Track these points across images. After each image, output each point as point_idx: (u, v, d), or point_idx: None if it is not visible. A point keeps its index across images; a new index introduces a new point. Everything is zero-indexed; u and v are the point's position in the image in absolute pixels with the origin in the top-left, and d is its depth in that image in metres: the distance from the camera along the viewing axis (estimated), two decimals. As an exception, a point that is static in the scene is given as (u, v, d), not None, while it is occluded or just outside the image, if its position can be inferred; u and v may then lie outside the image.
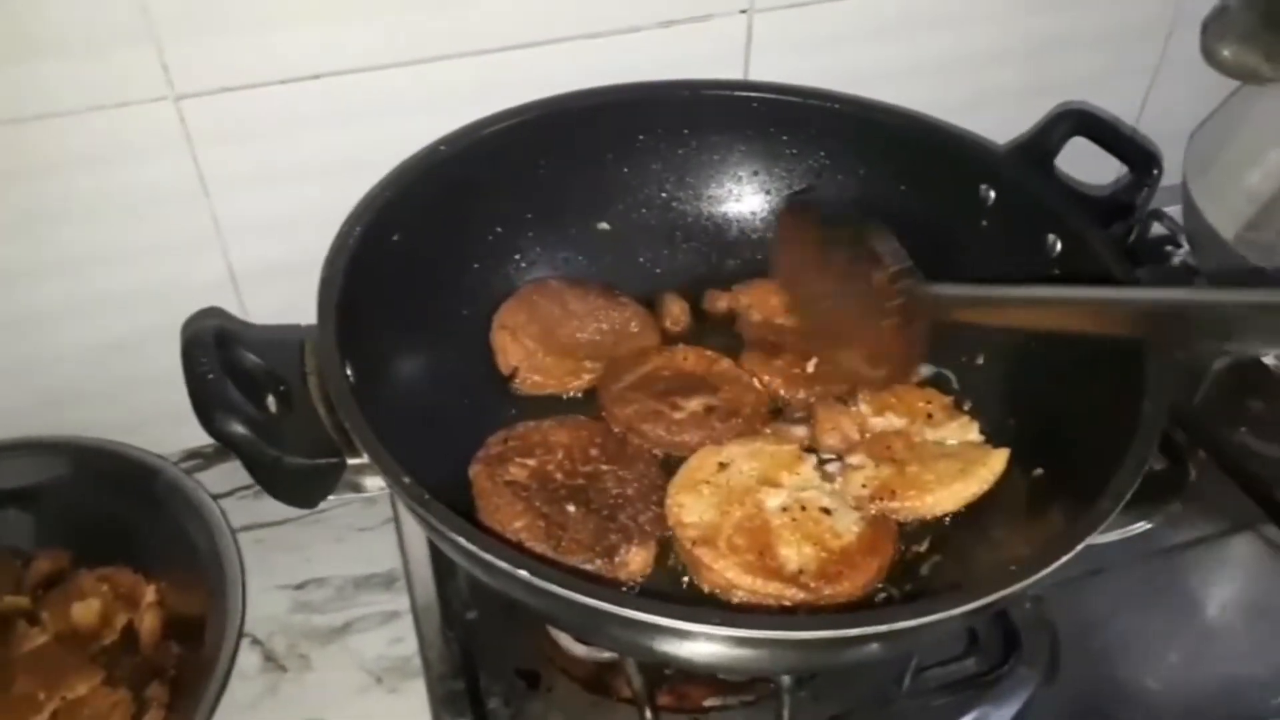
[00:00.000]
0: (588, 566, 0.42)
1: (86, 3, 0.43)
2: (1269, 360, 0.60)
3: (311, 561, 0.52)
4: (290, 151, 0.50)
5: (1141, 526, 0.40)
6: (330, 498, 0.42)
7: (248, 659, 0.48)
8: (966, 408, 0.50)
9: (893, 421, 0.49)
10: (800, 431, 0.49)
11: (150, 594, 0.50)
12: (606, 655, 0.45)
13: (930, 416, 0.49)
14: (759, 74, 0.57)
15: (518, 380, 0.52)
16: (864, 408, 0.49)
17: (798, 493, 0.45)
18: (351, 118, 0.50)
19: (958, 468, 0.45)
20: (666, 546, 0.45)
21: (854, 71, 0.57)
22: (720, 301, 0.56)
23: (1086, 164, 0.53)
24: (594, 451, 0.47)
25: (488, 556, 0.34)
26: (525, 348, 0.52)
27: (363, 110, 0.50)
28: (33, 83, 0.44)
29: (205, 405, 0.38)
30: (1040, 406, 0.47)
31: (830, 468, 0.47)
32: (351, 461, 0.40)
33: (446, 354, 0.50)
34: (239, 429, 0.38)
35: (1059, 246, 0.49)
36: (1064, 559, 0.35)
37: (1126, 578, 0.50)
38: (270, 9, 0.46)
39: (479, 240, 0.53)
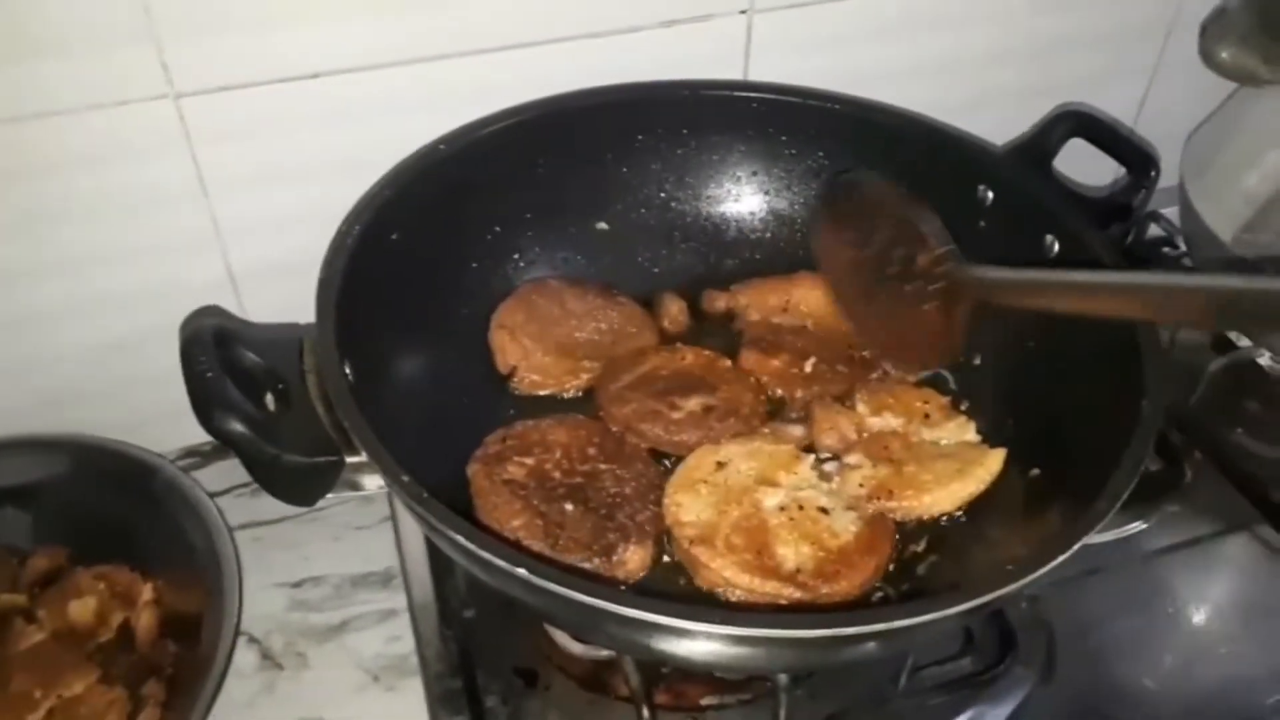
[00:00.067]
0: (585, 565, 0.42)
1: (87, 2, 0.43)
2: (1264, 361, 0.60)
3: (309, 560, 0.52)
4: (289, 151, 0.50)
5: (1138, 526, 0.40)
6: (328, 496, 0.42)
7: (245, 657, 0.48)
8: (964, 408, 0.51)
9: (890, 421, 0.49)
10: (798, 431, 0.49)
11: (147, 592, 0.49)
12: (604, 653, 0.45)
13: (927, 416, 0.49)
14: (758, 74, 0.57)
15: (516, 379, 0.52)
16: (861, 408, 0.49)
17: (795, 492, 0.45)
18: (350, 117, 0.50)
19: (955, 468, 0.46)
20: (664, 545, 0.45)
21: (853, 72, 0.57)
22: (718, 301, 0.56)
23: (1085, 165, 0.54)
24: (592, 451, 0.47)
25: (486, 555, 0.34)
26: (523, 347, 0.52)
27: (362, 109, 0.50)
28: (32, 82, 0.44)
29: (204, 403, 0.38)
30: (1037, 407, 0.47)
31: (828, 467, 0.47)
32: (350, 460, 0.40)
33: (445, 353, 0.50)
34: (238, 427, 0.38)
35: (1057, 247, 0.49)
36: (1061, 559, 0.35)
37: (1123, 578, 0.50)
38: (270, 8, 0.46)
39: (477, 240, 0.53)
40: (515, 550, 0.35)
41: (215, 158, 0.49)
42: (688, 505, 0.44)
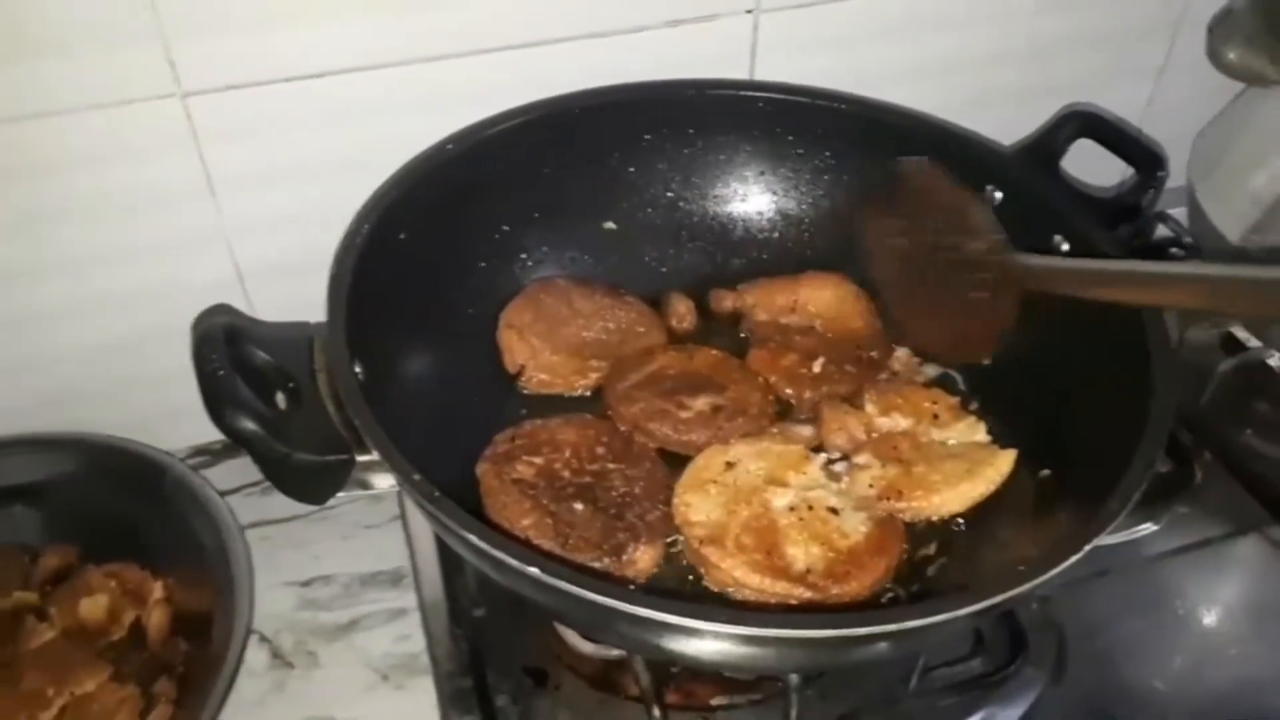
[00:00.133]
0: (595, 564, 0.42)
1: (93, 1, 0.43)
2: (1274, 362, 0.60)
3: (318, 559, 0.53)
4: (295, 150, 0.50)
5: (1148, 528, 0.40)
6: (338, 495, 0.42)
7: (255, 656, 0.48)
8: (973, 408, 0.50)
9: (899, 422, 0.49)
10: (807, 431, 0.49)
11: (158, 590, 0.50)
12: (615, 653, 0.45)
13: (937, 417, 0.49)
14: (765, 74, 0.57)
15: (524, 379, 0.52)
16: (870, 408, 0.49)
17: (805, 492, 0.45)
18: (356, 117, 0.50)
19: (964, 468, 0.45)
20: (672, 545, 0.45)
21: (860, 72, 0.57)
22: (726, 301, 0.56)
23: (1091, 165, 0.54)
24: (601, 450, 0.47)
25: (498, 554, 0.34)
26: (531, 346, 0.52)
27: (367, 109, 0.50)
28: (38, 81, 0.44)
29: (216, 401, 0.38)
30: (1047, 407, 0.47)
31: (837, 467, 0.47)
32: (360, 459, 0.40)
33: (453, 352, 0.50)
34: (249, 425, 0.38)
35: (1065, 247, 0.49)
36: (1072, 560, 0.35)
37: (1133, 579, 0.50)
38: (275, 8, 0.46)
39: (485, 239, 0.54)
40: (526, 549, 0.35)
41: (222, 157, 0.49)
42: (697, 505, 0.44)
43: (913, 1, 0.57)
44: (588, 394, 0.52)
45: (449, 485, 0.36)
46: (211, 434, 0.56)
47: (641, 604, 0.32)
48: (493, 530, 0.36)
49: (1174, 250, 0.65)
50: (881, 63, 0.58)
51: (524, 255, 0.55)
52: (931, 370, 0.53)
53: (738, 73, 0.57)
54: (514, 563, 0.34)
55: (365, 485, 0.42)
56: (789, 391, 0.52)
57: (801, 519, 0.44)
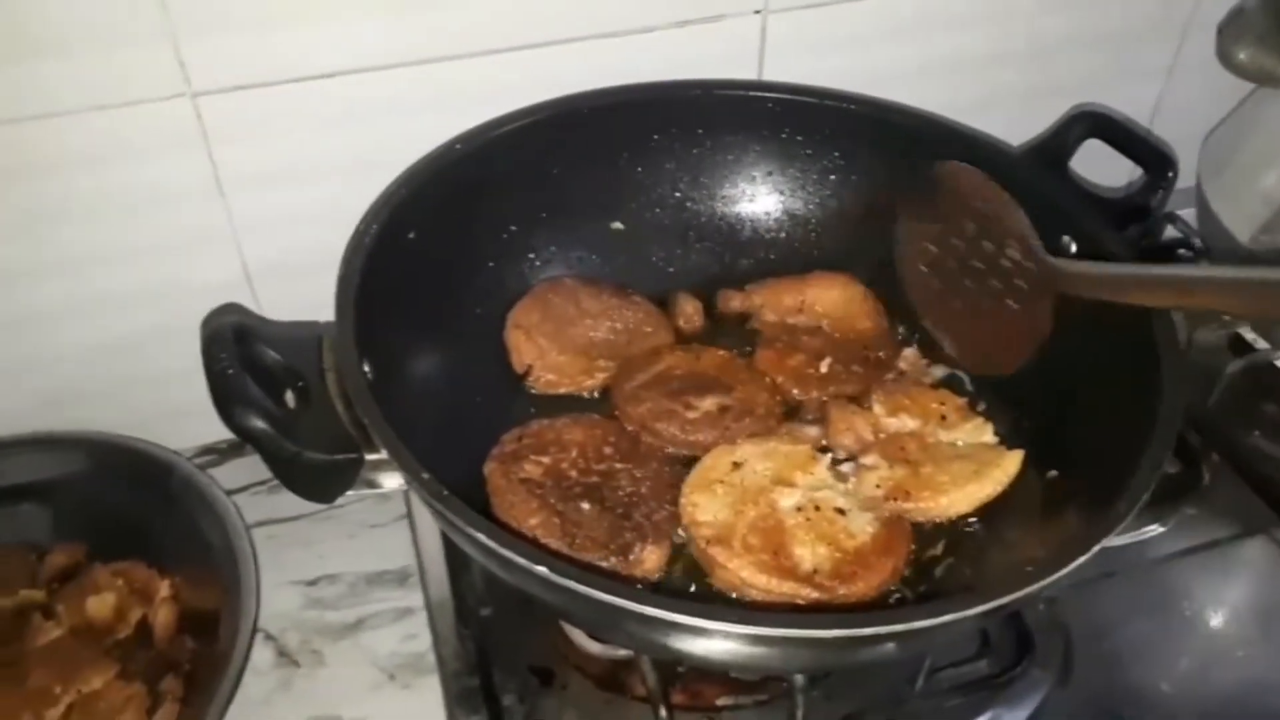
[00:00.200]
0: (602, 564, 0.42)
1: (102, 1, 0.43)
2: (1282, 364, 0.60)
3: (324, 558, 0.53)
4: (304, 150, 0.50)
5: (1155, 529, 0.39)
6: (345, 493, 0.42)
7: (261, 654, 0.48)
8: (980, 409, 0.50)
9: (906, 423, 0.48)
10: (814, 432, 0.49)
11: (165, 588, 0.50)
12: (621, 653, 0.45)
13: (944, 418, 0.49)
14: (773, 74, 0.57)
15: (531, 379, 0.52)
16: (878, 408, 0.49)
17: (812, 493, 0.45)
18: (364, 117, 0.50)
19: (972, 469, 0.45)
20: (679, 545, 0.45)
21: (869, 72, 0.57)
22: (733, 301, 0.56)
23: (1099, 166, 0.53)
24: (608, 450, 0.47)
25: (506, 552, 0.34)
26: (539, 346, 0.52)
27: (376, 109, 0.50)
28: (47, 81, 0.45)
29: (225, 400, 0.38)
30: (1055, 408, 0.47)
31: (844, 468, 0.47)
32: (369, 458, 0.40)
33: (461, 352, 0.50)
34: (259, 424, 0.38)
35: (1074, 249, 0.48)
36: (1079, 561, 0.35)
37: (1140, 580, 0.50)
38: (285, 8, 0.46)
39: (493, 239, 0.54)
40: (534, 548, 0.35)
41: (230, 157, 0.49)
42: (704, 505, 0.44)
43: (921, 1, 0.57)
44: (595, 394, 0.52)
45: (456, 484, 0.36)
46: (218, 433, 0.57)
47: (650, 603, 0.32)
48: (500, 529, 0.36)
49: (1182, 251, 0.65)
50: (890, 63, 0.58)
51: (532, 255, 0.55)
52: (939, 371, 0.53)
53: (746, 73, 0.57)
54: (522, 561, 0.34)
55: (372, 484, 0.42)
56: (796, 392, 0.51)
57: (808, 519, 0.44)
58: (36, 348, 0.52)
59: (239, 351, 0.40)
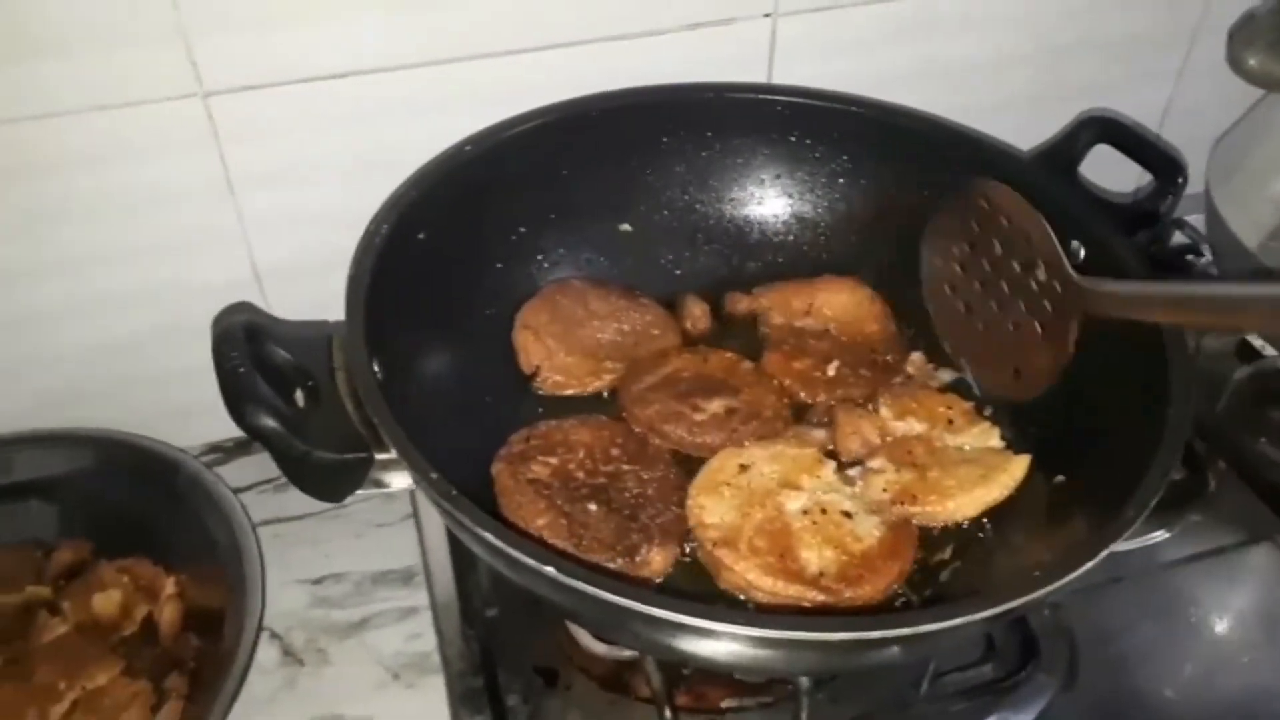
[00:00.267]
0: (609, 565, 0.42)
1: (115, 1, 0.43)
2: (1289, 371, 0.60)
3: (330, 557, 0.53)
4: (314, 150, 0.51)
5: (1161, 535, 0.39)
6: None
7: (266, 653, 0.48)
8: (987, 413, 0.50)
9: (913, 426, 0.48)
10: (821, 435, 0.49)
11: (170, 586, 0.50)
12: (626, 654, 0.45)
13: (951, 422, 0.49)
14: (783, 77, 0.57)
15: (539, 379, 0.52)
16: (885, 412, 0.49)
17: (818, 496, 0.45)
18: (376, 117, 0.50)
19: (979, 473, 0.45)
20: (686, 547, 0.45)
21: (878, 75, 0.57)
22: (741, 304, 0.56)
23: (1106, 170, 0.53)
24: (615, 451, 0.47)
25: (515, 553, 0.34)
26: (547, 347, 0.52)
27: (387, 109, 0.50)
28: (58, 80, 0.45)
29: (236, 398, 0.38)
30: (1062, 413, 0.47)
31: (851, 471, 0.47)
32: (377, 457, 0.40)
33: (469, 352, 0.50)
34: (269, 422, 0.38)
35: (1082, 254, 0.48)
36: (1087, 567, 0.35)
37: (1145, 586, 0.50)
38: (296, 8, 0.46)
39: (502, 240, 0.54)
40: (542, 548, 0.35)
41: (242, 156, 0.50)
42: (711, 507, 0.44)
43: (930, 5, 0.57)
44: (606, 394, 0.52)
45: (463, 484, 0.36)
46: (222, 431, 0.57)
47: (658, 604, 0.33)
48: (509, 529, 0.36)
49: (1190, 257, 0.64)
50: (899, 66, 0.58)
51: (540, 256, 0.55)
52: (946, 375, 0.53)
53: (755, 76, 0.57)
54: (531, 562, 0.34)
55: (379, 484, 0.42)
56: (803, 395, 0.51)
57: (815, 522, 0.44)
58: (42, 347, 0.52)
59: (249, 350, 0.40)
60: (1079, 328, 0.43)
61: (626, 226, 0.57)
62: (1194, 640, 0.49)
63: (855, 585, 0.41)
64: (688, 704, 0.45)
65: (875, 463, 0.47)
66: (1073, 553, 0.36)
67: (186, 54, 0.46)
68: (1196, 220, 0.63)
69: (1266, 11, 0.55)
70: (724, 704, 0.45)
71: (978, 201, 0.48)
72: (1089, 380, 0.45)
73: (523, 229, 0.54)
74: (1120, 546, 0.36)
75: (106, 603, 0.49)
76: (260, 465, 0.56)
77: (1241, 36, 0.55)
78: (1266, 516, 0.54)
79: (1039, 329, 0.45)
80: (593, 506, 0.44)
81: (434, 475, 0.36)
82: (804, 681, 0.43)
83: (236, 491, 0.51)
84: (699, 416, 0.49)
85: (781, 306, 0.55)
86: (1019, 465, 0.46)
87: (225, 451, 0.58)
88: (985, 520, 0.46)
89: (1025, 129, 0.56)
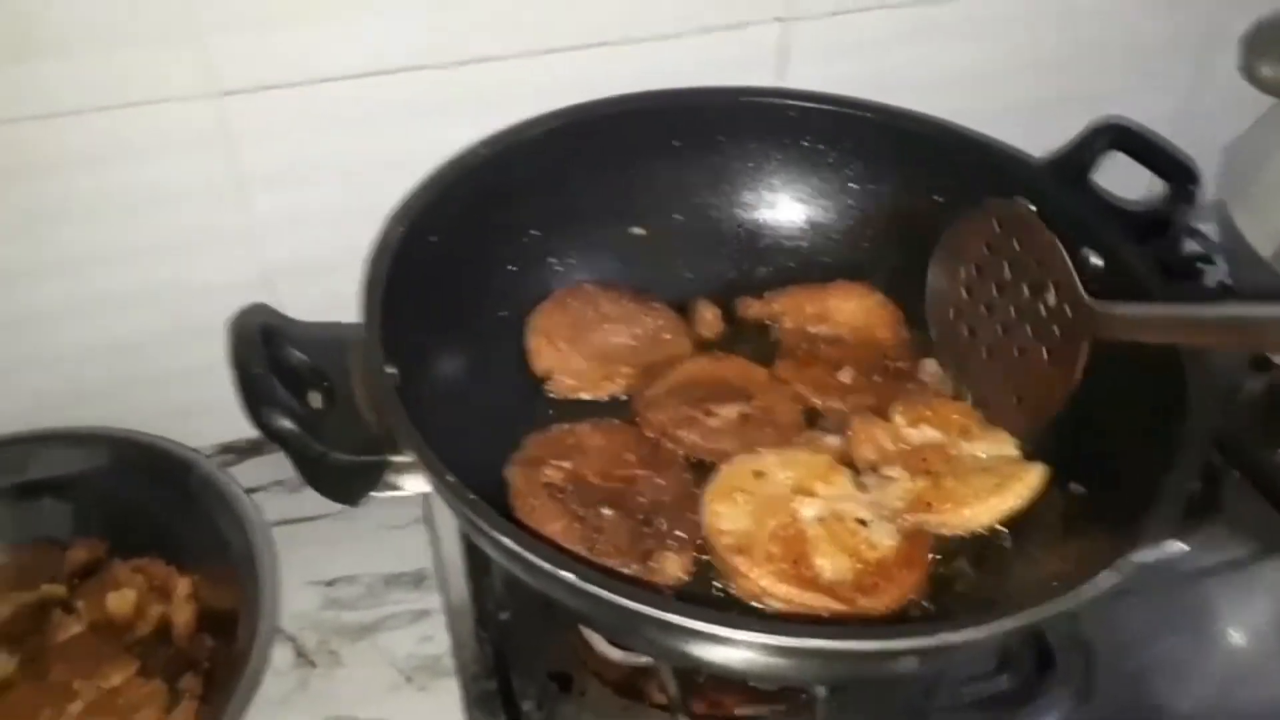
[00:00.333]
0: (623, 570, 0.42)
1: (131, 1, 0.43)
2: (1305, 381, 0.59)
3: (342, 558, 0.53)
4: (327, 151, 0.51)
5: (1177, 548, 0.39)
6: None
7: (279, 654, 0.48)
8: (1001, 421, 0.50)
9: (928, 434, 0.48)
10: (834, 442, 0.49)
11: (184, 586, 0.50)
12: (641, 660, 0.45)
13: (965, 430, 0.49)
14: (794, 82, 0.57)
15: (551, 383, 0.52)
16: (899, 419, 0.49)
17: (833, 503, 0.45)
18: (386, 118, 0.50)
19: (994, 482, 0.45)
20: (700, 553, 0.45)
21: (890, 80, 0.57)
22: (752, 309, 0.56)
23: (1112, 177, 0.53)
24: (629, 456, 0.47)
25: (533, 558, 0.34)
26: (559, 351, 0.52)
27: (398, 111, 0.50)
28: (76, 78, 0.45)
29: (254, 400, 0.38)
30: (1079, 423, 0.46)
31: (865, 479, 0.47)
32: (393, 459, 0.40)
33: (482, 355, 0.50)
34: (286, 424, 0.38)
35: (1092, 261, 0.48)
36: (1113, 582, 0.35)
37: (1162, 598, 0.50)
38: (311, 8, 0.47)
39: (514, 243, 0.54)
40: (558, 553, 0.35)
41: (255, 156, 0.50)
42: (725, 514, 0.44)
43: (942, 10, 0.57)
44: (616, 399, 0.52)
45: (476, 487, 0.36)
46: (234, 431, 0.58)
47: (677, 611, 0.33)
48: (524, 533, 0.36)
49: (1201, 265, 0.64)
50: (911, 71, 0.58)
51: (552, 259, 0.55)
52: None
53: (766, 80, 0.57)
54: (549, 567, 0.34)
55: (392, 486, 0.42)
56: (816, 401, 0.51)
57: (830, 530, 0.44)
58: (50, 346, 0.52)
59: (266, 352, 0.40)
60: (1088, 353, 0.42)
61: (638, 230, 0.57)
62: (1211, 653, 0.49)
63: (871, 594, 0.41)
64: (703, 711, 0.45)
65: (890, 470, 0.47)
66: (1090, 565, 0.35)
67: (199, 54, 0.46)
68: (1207, 228, 0.63)
69: (1278, 20, 0.54)
70: (738, 711, 0.45)
71: (990, 223, 0.47)
72: (1106, 391, 0.45)
73: (535, 232, 0.54)
74: (1137, 559, 0.36)
75: (121, 602, 0.49)
76: (273, 466, 0.56)
77: (1255, 45, 0.55)
78: (1282, 528, 0.54)
79: (1045, 355, 0.44)
80: (607, 511, 0.44)
81: (450, 479, 0.36)
82: (820, 690, 0.43)
83: (249, 492, 0.51)
84: (713, 422, 0.49)
85: (794, 312, 0.55)
86: (1035, 474, 0.46)
87: (238, 452, 0.58)
88: (1002, 529, 0.45)
89: (1036, 135, 0.56)
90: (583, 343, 0.52)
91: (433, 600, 0.51)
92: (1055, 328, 0.44)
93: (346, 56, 0.49)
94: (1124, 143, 0.52)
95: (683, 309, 0.56)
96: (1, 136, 0.45)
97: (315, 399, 0.42)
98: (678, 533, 0.44)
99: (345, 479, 0.40)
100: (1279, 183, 0.57)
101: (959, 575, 0.45)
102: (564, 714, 0.45)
